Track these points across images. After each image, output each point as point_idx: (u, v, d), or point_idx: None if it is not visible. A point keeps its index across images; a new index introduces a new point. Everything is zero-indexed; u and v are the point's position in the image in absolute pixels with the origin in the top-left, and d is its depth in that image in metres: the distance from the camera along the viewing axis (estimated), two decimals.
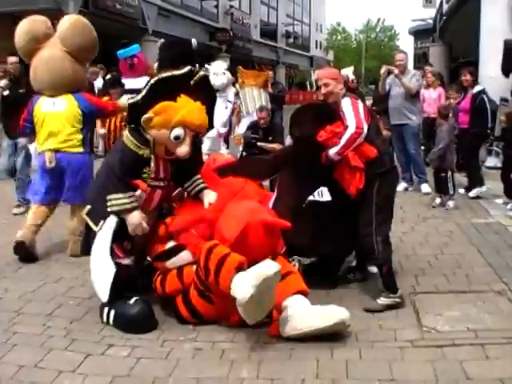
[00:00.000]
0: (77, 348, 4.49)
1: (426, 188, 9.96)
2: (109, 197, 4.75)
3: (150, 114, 4.74)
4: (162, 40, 13.01)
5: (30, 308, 5.28)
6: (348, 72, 18.57)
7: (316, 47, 63.02)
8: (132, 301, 4.81)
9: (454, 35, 26.93)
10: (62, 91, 6.11)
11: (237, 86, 12.92)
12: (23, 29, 6.05)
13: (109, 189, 4.79)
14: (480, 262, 6.33)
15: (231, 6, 37.21)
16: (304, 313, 4.52)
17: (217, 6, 35.77)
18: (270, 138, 10.11)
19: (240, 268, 4.41)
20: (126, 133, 4.93)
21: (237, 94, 12.79)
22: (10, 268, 6.36)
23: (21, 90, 8.00)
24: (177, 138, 4.80)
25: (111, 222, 4.84)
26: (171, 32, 27.67)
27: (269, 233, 4.73)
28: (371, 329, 4.76)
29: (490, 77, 13.06)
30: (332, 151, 5.29)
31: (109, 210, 4.77)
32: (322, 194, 5.44)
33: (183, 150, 4.85)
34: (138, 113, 4.76)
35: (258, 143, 9.86)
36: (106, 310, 4.90)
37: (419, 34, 42.31)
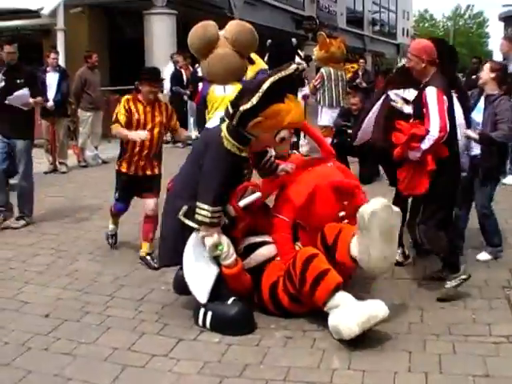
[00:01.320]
0: (169, 333, 4.56)
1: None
2: (197, 203, 4.61)
3: (260, 118, 4.57)
4: (270, 40, 13.02)
5: (123, 292, 5.41)
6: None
7: (403, 34, 61.78)
8: (230, 301, 4.61)
9: None
10: (232, 80, 7.14)
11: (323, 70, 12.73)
12: (198, 33, 7.07)
13: (201, 195, 4.63)
14: None
15: None
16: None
17: None
18: None
19: (338, 287, 4.39)
20: (224, 134, 4.66)
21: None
22: (102, 252, 6.53)
23: (19, 81, 7.69)
24: (283, 139, 4.79)
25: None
26: (258, 20, 27.64)
27: (338, 194, 5.02)
28: (464, 322, 4.66)
29: None
30: (413, 155, 5.07)
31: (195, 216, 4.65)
32: None
33: (285, 147, 4.97)
34: (250, 116, 4.58)
35: (349, 131, 9.68)
36: (201, 311, 4.67)
37: (510, 19, 40.88)
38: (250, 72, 13.65)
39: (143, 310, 4.99)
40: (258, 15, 28.06)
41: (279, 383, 3.88)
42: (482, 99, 6.03)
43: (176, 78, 14.91)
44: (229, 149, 4.62)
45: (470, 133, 5.73)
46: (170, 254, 4.89)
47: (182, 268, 4.83)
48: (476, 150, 5.95)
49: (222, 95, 7.18)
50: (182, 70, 15.05)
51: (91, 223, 7.78)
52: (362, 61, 16.18)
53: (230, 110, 4.67)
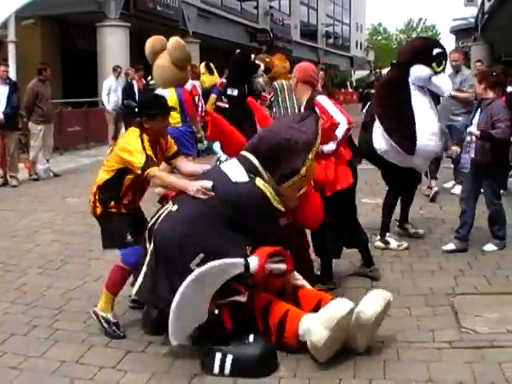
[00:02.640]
0: (117, 345, 4.57)
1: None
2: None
3: (304, 174, 4.51)
4: (239, 50, 13.18)
5: (72, 306, 5.39)
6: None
7: (356, 47, 62.65)
8: (251, 339, 4.24)
9: (496, 34, 26.58)
10: (168, 86, 8.86)
11: (275, 83, 12.85)
12: (147, 45, 9.04)
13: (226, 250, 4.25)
14: None
15: (271, 7, 37.23)
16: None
17: (257, 7, 35.81)
18: None
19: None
20: (271, 195, 4.48)
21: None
22: (53, 266, 6.49)
23: None
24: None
25: (238, 266, 4.25)
26: (212, 33, 27.81)
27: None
28: (409, 329, 4.75)
29: None
30: (328, 147, 5.37)
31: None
32: None
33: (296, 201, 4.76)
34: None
35: None
36: (218, 356, 4.15)
37: (461, 33, 41.81)
38: (207, 82, 13.65)
39: (92, 324, 4.97)
40: (212, 28, 28.23)
41: None
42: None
43: (127, 90, 14.86)
44: (279, 209, 4.52)
45: (473, 130, 6.51)
46: (166, 295, 4.24)
47: (156, 308, 4.60)
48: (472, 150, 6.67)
49: None
50: (134, 82, 15.00)
51: (42, 237, 7.71)
52: (321, 73, 16.34)
53: (262, 170, 4.51)
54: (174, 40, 9.08)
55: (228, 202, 4.34)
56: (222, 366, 4.11)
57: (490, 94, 6.65)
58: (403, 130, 6.62)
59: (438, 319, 4.93)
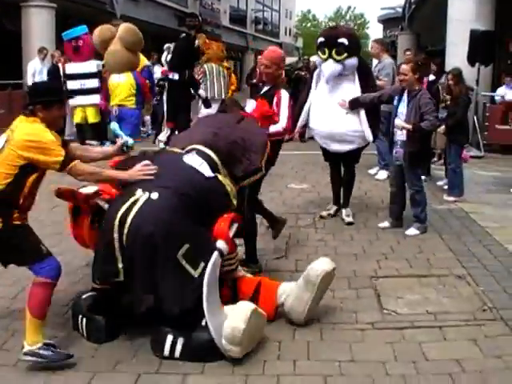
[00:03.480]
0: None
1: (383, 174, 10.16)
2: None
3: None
4: (184, 35, 13.14)
5: None
6: (317, 59, 18.56)
7: (285, 34, 62.98)
8: (203, 323, 4.10)
9: (422, 24, 27.16)
10: (124, 70, 9.47)
11: (206, 65, 12.84)
12: (95, 34, 9.54)
13: None
14: (441, 248, 6.45)
15: None
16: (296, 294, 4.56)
17: None
18: None
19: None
20: (221, 177, 4.61)
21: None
22: None
23: None
24: None
25: (217, 261, 4.25)
26: (140, 16, 27.38)
27: None
28: (333, 311, 4.85)
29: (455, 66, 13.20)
30: None
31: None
32: None
33: None
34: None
35: None
36: (169, 338, 4.12)
37: (388, 22, 42.54)
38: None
39: (15, 309, 4.87)
40: (141, 11, 27.83)
41: (153, 376, 3.93)
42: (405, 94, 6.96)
43: (53, 73, 14.50)
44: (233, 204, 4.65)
45: (404, 124, 6.79)
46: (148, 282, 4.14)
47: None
48: (400, 137, 6.99)
49: (117, 82, 9.73)
50: (60, 65, 14.64)
51: None
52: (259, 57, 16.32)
53: (221, 168, 4.64)
54: (125, 25, 9.77)
55: (199, 193, 4.35)
56: (172, 349, 4.08)
57: (417, 86, 6.88)
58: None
59: (360, 301, 5.05)
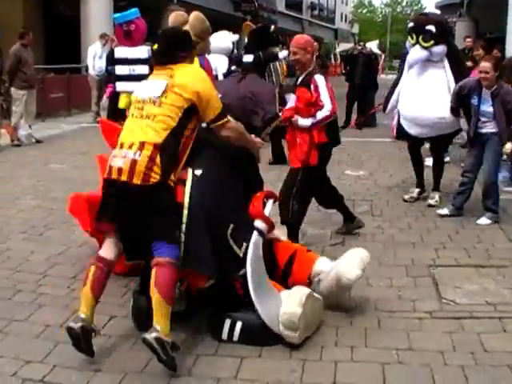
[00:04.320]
0: (101, 310, 4.53)
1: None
2: None
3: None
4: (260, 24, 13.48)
5: (56, 270, 5.40)
6: (372, 45, 18.49)
7: (341, 20, 62.43)
8: None
9: (482, 10, 26.60)
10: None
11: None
12: (172, 19, 8.40)
13: None
14: (501, 238, 6.35)
15: None
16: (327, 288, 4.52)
17: None
18: None
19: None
20: None
21: None
22: (36, 231, 6.49)
23: None
24: None
25: (258, 241, 4.22)
26: (196, 1, 27.53)
27: None
28: (390, 299, 4.82)
29: None
30: (304, 122, 5.65)
31: None
32: None
33: None
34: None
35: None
36: (227, 322, 4.13)
37: (446, 8, 41.63)
38: None
39: (75, 288, 4.98)
40: None
41: (211, 357, 3.98)
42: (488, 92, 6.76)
43: (110, 57, 14.70)
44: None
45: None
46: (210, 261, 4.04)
47: (140, 294, 4.25)
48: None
49: None
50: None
51: (24, 202, 7.69)
52: (315, 44, 16.26)
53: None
54: (196, 13, 9.60)
55: (231, 161, 4.35)
56: (230, 333, 4.11)
57: (496, 83, 6.76)
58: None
59: (418, 290, 5.01)
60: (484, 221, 6.83)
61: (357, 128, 14.80)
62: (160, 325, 3.68)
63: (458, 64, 7.58)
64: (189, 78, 4.05)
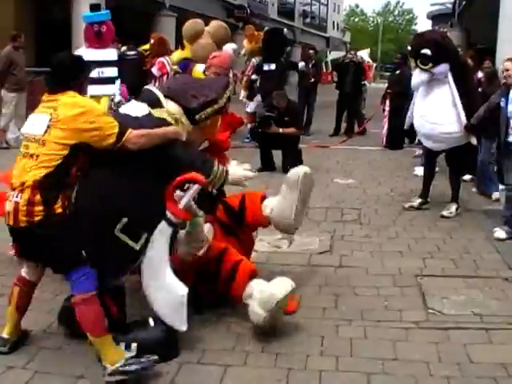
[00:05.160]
0: None
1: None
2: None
3: (221, 105, 4.67)
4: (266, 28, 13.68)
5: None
6: (363, 54, 18.56)
7: (333, 28, 62.63)
8: (151, 322, 4.04)
9: (473, 21, 26.68)
10: None
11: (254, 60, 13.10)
12: (191, 26, 10.19)
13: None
14: (488, 249, 6.33)
15: None
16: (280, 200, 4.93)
17: None
18: (286, 119, 10.16)
19: (253, 275, 4.45)
20: (157, 110, 4.33)
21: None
22: None
23: None
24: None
25: (165, 229, 4.06)
26: (188, 7, 27.50)
27: None
28: (377, 308, 4.80)
29: None
30: None
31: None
32: None
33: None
34: (210, 109, 4.56)
35: (272, 128, 10.01)
36: (122, 346, 3.83)
37: (437, 18, 41.87)
38: (175, 57, 13.72)
39: (62, 292, 4.91)
40: (189, 2, 27.92)
41: (195, 366, 3.94)
42: None
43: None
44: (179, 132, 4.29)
45: None
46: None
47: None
48: None
49: (201, 71, 9.26)
50: None
51: None
52: (311, 51, 16.29)
53: (175, 98, 4.42)
54: (219, 22, 10.60)
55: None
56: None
57: None
58: None
59: (405, 299, 4.99)
60: (501, 234, 6.65)
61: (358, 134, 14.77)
62: (106, 359, 3.69)
63: (464, 77, 7.52)
64: (71, 112, 3.76)
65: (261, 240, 6.35)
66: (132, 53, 12.61)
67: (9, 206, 3.73)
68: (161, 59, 12.92)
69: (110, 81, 10.66)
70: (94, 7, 10.30)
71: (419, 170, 10.04)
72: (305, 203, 5.03)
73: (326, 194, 8.70)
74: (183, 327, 3.99)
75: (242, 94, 13.96)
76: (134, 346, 3.79)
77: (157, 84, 12.77)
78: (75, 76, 4.00)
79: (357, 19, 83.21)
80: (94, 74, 10.33)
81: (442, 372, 3.86)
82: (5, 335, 4.04)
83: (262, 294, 4.21)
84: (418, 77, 7.53)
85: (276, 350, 4.10)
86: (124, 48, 13.13)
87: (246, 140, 13.38)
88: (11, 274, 4.55)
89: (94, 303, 3.74)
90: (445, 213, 7.52)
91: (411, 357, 4.03)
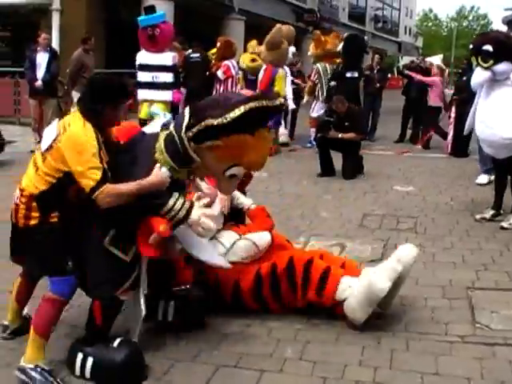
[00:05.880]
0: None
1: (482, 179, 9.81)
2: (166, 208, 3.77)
3: (220, 143, 3.77)
4: (347, 33, 14.08)
5: None
6: (435, 60, 18.29)
7: (405, 33, 61.86)
8: (116, 343, 3.83)
9: None
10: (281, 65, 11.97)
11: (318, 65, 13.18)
12: (285, 33, 11.64)
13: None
14: None
15: None
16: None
17: None
18: (347, 124, 10.08)
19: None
20: (159, 145, 3.88)
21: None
22: None
23: None
24: (233, 176, 3.99)
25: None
26: (258, 11, 27.63)
27: None
28: (422, 320, 4.69)
29: None
30: None
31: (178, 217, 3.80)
32: None
33: (230, 189, 4.32)
34: (211, 135, 3.78)
35: (331, 133, 9.95)
36: (79, 357, 3.81)
37: None
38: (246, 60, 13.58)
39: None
40: (259, 6, 28.06)
41: (231, 369, 3.94)
42: None
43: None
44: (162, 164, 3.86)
45: None
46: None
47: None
48: None
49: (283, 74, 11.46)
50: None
51: None
52: (377, 56, 16.22)
53: (186, 119, 3.85)
54: (287, 26, 12.18)
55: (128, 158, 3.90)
56: (82, 368, 3.79)
57: None
58: None
59: (453, 312, 4.85)
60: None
61: (423, 148, 14.25)
62: (25, 356, 3.75)
63: None
64: (67, 142, 3.62)
65: (312, 245, 6.32)
66: (196, 55, 12.74)
67: (12, 205, 3.83)
68: (226, 62, 13.01)
69: (164, 86, 10.53)
70: (149, 9, 10.08)
71: (481, 179, 9.85)
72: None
73: (383, 201, 8.58)
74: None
75: (306, 98, 13.92)
76: (90, 360, 3.77)
77: (222, 87, 12.93)
78: (99, 101, 3.73)
79: (430, 24, 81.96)
80: (148, 78, 10.58)
81: None
82: (6, 322, 4.26)
83: (385, 264, 4.49)
84: (478, 76, 7.28)
85: (315, 359, 4.06)
86: (189, 51, 13.32)
87: (309, 145, 13.35)
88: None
89: (57, 308, 3.79)
90: (504, 224, 7.29)
91: (453, 372, 3.92)
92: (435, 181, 10.18)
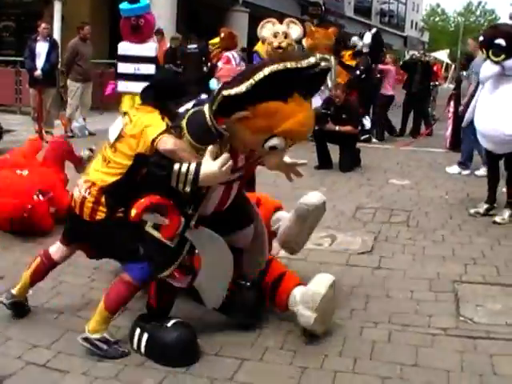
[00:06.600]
0: None
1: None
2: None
3: (248, 113, 3.54)
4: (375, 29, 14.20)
5: (79, 260, 5.42)
6: (442, 55, 18.21)
7: (411, 27, 61.65)
8: (169, 324, 3.95)
9: None
10: None
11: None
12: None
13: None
14: None
15: None
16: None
17: None
18: (344, 116, 10.09)
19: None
20: (183, 123, 3.75)
21: None
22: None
23: None
24: (273, 148, 3.70)
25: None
26: (262, 3, 27.56)
27: None
28: (406, 312, 4.70)
29: None
30: None
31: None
32: None
33: (274, 161, 3.96)
34: (233, 106, 3.55)
35: (328, 125, 9.95)
36: (137, 331, 4.00)
37: None
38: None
39: (96, 279, 5.06)
40: None
41: (212, 357, 3.97)
42: None
43: (170, 56, 14.85)
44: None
45: None
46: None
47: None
48: None
49: None
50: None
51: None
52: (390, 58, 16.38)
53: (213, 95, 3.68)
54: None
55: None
56: (138, 343, 3.96)
57: None
58: None
59: (438, 305, 4.87)
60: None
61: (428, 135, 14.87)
62: (89, 325, 3.91)
63: None
64: (137, 122, 3.84)
65: None
66: (193, 46, 12.78)
67: (76, 195, 4.00)
68: (227, 53, 12.95)
69: (146, 78, 9.26)
70: None
71: (453, 169, 10.23)
72: (311, 230, 4.82)
73: (378, 194, 8.60)
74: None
75: None
76: (145, 336, 3.93)
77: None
78: (172, 97, 4.03)
79: (437, 19, 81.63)
80: (130, 69, 10.17)
81: (462, 382, 3.75)
82: (13, 291, 4.34)
83: (305, 295, 4.15)
84: (487, 70, 7.17)
85: (295, 348, 4.08)
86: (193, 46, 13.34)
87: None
88: None
89: (129, 291, 3.91)
90: (497, 219, 7.29)
91: (432, 364, 3.93)
92: (432, 175, 10.19)
